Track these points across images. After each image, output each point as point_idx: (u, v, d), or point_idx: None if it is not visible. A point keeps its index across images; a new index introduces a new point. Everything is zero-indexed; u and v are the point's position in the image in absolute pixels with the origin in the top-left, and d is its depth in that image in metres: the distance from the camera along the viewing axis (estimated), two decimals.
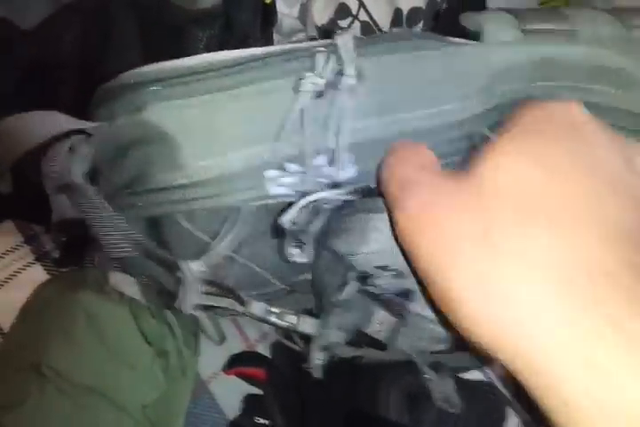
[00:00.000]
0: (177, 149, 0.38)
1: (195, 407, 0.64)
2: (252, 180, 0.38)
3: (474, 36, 0.40)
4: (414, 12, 0.66)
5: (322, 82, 0.38)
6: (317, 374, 0.44)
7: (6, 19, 0.55)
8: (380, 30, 0.67)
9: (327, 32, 0.69)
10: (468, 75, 0.39)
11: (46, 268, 0.65)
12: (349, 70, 0.37)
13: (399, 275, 0.40)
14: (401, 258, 0.38)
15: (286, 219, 0.40)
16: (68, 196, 0.42)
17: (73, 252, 0.64)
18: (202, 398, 0.65)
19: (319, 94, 0.38)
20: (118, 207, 0.41)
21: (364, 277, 0.41)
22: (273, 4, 0.62)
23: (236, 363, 0.66)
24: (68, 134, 0.40)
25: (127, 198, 0.40)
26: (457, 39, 0.40)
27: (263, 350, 0.68)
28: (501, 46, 0.40)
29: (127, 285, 0.55)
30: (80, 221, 0.46)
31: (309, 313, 0.46)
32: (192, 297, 0.43)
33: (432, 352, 0.45)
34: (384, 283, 0.41)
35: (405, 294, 0.41)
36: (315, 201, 0.40)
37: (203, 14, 0.56)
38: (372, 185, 0.40)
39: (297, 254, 0.42)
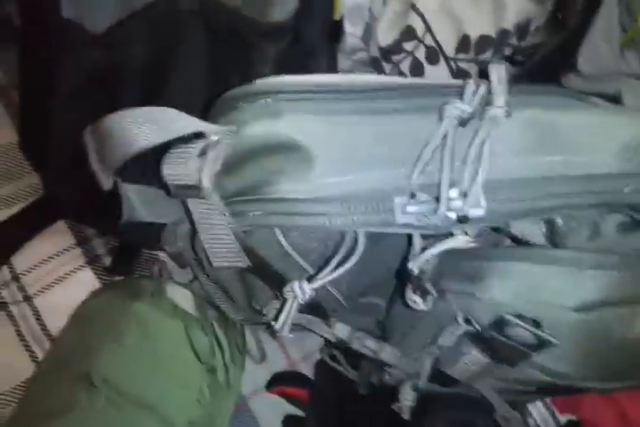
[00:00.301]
0: (308, 162, 0.38)
1: (234, 423, 0.63)
2: (377, 203, 0.38)
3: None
4: (483, 40, 0.65)
5: (468, 109, 0.38)
6: (406, 415, 0.44)
7: (76, 22, 0.55)
8: (444, 56, 0.67)
9: (390, 53, 0.69)
10: (609, 132, 0.40)
11: (96, 272, 0.65)
12: (499, 101, 0.38)
13: (536, 325, 0.40)
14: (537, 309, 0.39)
15: (416, 265, 0.39)
16: (182, 199, 0.42)
17: (124, 259, 0.64)
18: (242, 415, 0.65)
19: (463, 123, 0.38)
20: (233, 212, 0.40)
21: (496, 324, 0.40)
22: (341, 21, 0.62)
23: (279, 382, 0.66)
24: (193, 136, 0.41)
25: (239, 206, 0.40)
26: (598, 100, 0.41)
27: (305, 369, 0.68)
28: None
29: (183, 298, 0.55)
30: (147, 226, 0.46)
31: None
32: (293, 317, 0.42)
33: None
34: (518, 333, 0.40)
35: (537, 346, 0.40)
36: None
37: (273, 28, 0.56)
38: (500, 226, 0.40)
39: (420, 303, 0.41)
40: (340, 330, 0.45)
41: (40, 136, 0.61)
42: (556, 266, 0.40)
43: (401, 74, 0.69)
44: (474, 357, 0.42)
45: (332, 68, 0.65)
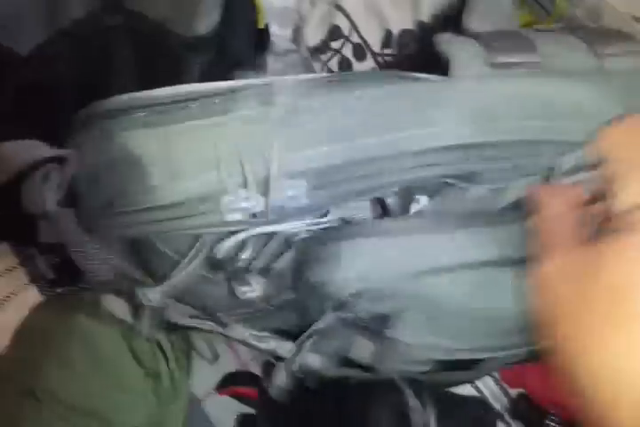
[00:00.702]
0: (146, 173, 0.39)
1: (189, 426, 0.64)
2: (209, 205, 0.40)
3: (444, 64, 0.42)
4: (405, 34, 0.66)
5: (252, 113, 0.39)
6: (276, 395, 0.45)
7: (1, 44, 0.54)
8: (371, 51, 0.67)
9: (318, 52, 0.69)
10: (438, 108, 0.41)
11: (41, 289, 0.65)
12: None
13: (375, 299, 0.41)
14: (380, 282, 0.40)
15: (221, 250, 0.42)
16: (46, 223, 0.44)
17: (67, 273, 0.64)
18: (196, 417, 0.65)
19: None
20: (98, 229, 0.42)
21: (340, 306, 0.41)
22: (266, 29, 0.62)
23: (230, 382, 0.66)
24: (44, 162, 0.42)
25: (105, 220, 0.41)
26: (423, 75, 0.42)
27: (256, 368, 0.68)
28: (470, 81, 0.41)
29: (118, 306, 0.55)
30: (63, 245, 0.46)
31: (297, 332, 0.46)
32: (152, 321, 0.46)
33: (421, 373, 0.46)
34: (360, 310, 0.42)
35: (382, 320, 0.42)
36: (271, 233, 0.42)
37: (197, 40, 0.56)
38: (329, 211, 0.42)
39: (248, 291, 0.42)
40: (236, 330, 0.47)
41: None
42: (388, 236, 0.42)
43: (330, 72, 0.69)
44: (362, 342, 0.43)
45: (261, 75, 0.65)
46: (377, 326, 0.43)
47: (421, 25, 0.66)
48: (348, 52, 0.68)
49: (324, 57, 0.69)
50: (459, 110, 0.41)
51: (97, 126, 0.41)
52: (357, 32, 0.67)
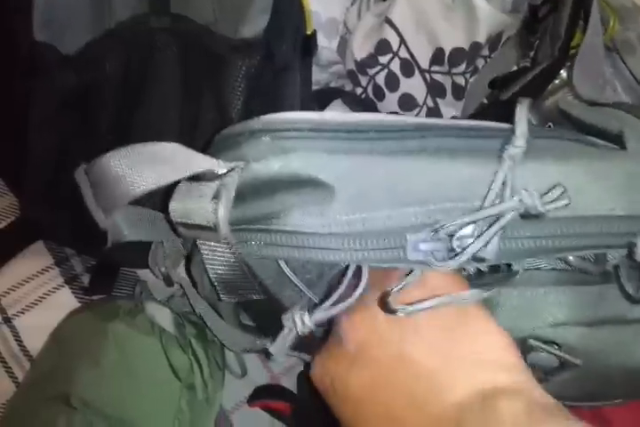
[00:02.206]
0: (327, 198, 0.37)
1: None
2: (390, 240, 0.37)
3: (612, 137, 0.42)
4: (457, 52, 0.64)
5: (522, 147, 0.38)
6: None
7: (48, 44, 0.53)
8: (419, 68, 0.66)
9: (365, 66, 0.68)
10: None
11: (75, 291, 0.63)
12: (519, 141, 0.38)
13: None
14: None
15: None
16: (191, 235, 0.40)
17: (103, 278, 0.63)
18: None
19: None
20: (239, 240, 0.39)
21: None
22: (314, 36, 0.61)
23: (261, 395, 0.64)
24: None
25: (245, 234, 0.38)
26: (601, 142, 0.42)
27: (287, 382, 0.66)
28: None
29: (162, 316, 0.54)
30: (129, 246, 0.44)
31: None
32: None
33: None
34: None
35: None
36: None
37: (245, 44, 0.55)
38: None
39: None
40: None
41: (15, 159, 0.59)
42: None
43: (377, 87, 0.68)
44: None
45: (307, 82, 0.64)
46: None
47: (475, 45, 0.64)
48: (395, 67, 0.67)
49: (370, 71, 0.68)
50: None
51: (272, 141, 0.38)
52: (407, 47, 0.66)
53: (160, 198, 0.41)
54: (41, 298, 0.62)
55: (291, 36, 0.58)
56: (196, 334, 0.55)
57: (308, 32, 0.60)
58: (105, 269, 0.64)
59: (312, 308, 0.40)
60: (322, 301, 0.41)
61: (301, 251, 0.37)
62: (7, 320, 0.61)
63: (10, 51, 0.56)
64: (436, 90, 0.66)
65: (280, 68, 0.58)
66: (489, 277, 0.42)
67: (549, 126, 0.59)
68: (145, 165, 0.38)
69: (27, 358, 0.60)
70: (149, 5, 0.55)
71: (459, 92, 0.65)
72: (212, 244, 0.39)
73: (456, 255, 0.37)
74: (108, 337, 0.53)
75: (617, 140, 0.42)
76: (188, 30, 0.56)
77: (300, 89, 0.61)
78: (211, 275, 0.41)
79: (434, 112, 0.67)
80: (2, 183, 0.67)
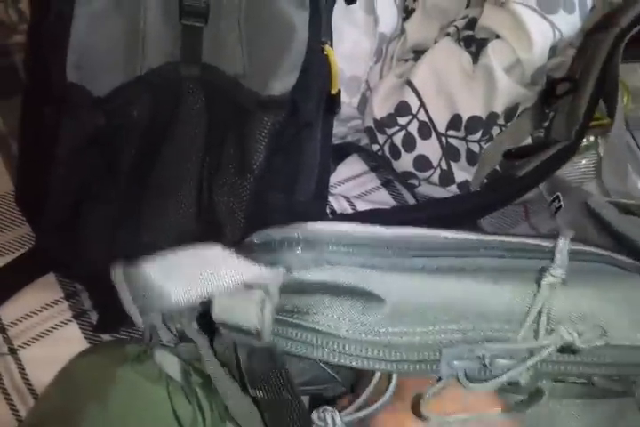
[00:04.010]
0: (372, 309, 0.37)
1: None
2: (424, 354, 0.37)
3: None
4: (474, 120, 0.65)
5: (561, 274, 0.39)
6: None
7: (79, 85, 0.53)
8: (436, 131, 0.66)
9: (384, 126, 0.68)
10: None
11: (82, 327, 0.62)
12: (558, 271, 0.38)
13: None
14: None
15: None
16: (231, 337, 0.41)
17: (112, 317, 0.62)
18: None
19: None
20: (275, 334, 0.39)
21: None
22: (338, 95, 0.61)
23: None
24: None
25: (286, 328, 0.38)
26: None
27: None
28: None
29: (170, 363, 0.53)
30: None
31: None
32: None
33: None
34: None
35: None
36: None
37: (272, 101, 0.54)
38: None
39: None
40: None
41: (36, 191, 0.59)
42: None
43: (393, 146, 0.68)
44: None
45: (327, 138, 0.64)
46: None
47: (492, 115, 0.64)
48: (413, 128, 0.68)
49: (389, 130, 0.68)
50: None
51: (316, 254, 0.38)
52: (425, 111, 0.66)
53: None
54: (48, 331, 0.62)
55: (316, 95, 0.58)
56: (202, 384, 0.54)
57: (333, 91, 0.60)
58: (113, 308, 0.63)
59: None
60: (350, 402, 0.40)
61: (336, 355, 0.37)
62: (13, 351, 0.61)
63: (43, 88, 0.56)
64: (451, 154, 0.66)
65: (303, 125, 0.59)
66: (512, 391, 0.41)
67: (557, 197, 0.59)
68: (185, 278, 0.39)
69: (29, 392, 0.59)
70: (181, 54, 0.55)
71: (473, 157, 0.65)
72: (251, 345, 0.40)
73: (491, 377, 0.37)
74: (116, 382, 0.51)
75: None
76: (216, 81, 0.55)
77: (320, 145, 0.61)
78: (243, 369, 0.42)
79: (447, 174, 0.67)
80: (19, 213, 0.66)
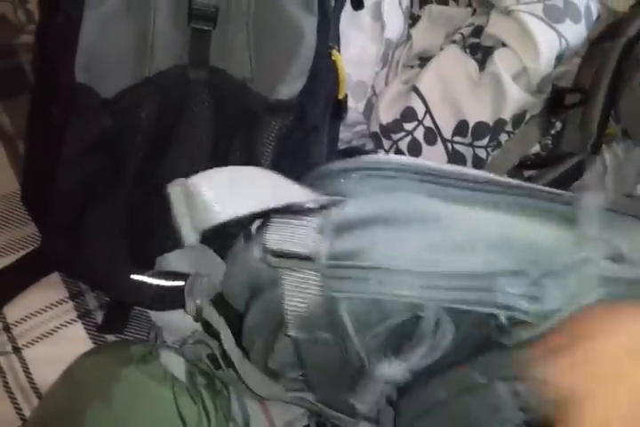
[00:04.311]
0: (422, 237, 0.38)
1: None
2: (480, 282, 0.37)
3: None
4: (481, 126, 0.65)
5: None
6: None
7: (88, 86, 0.53)
8: (442, 138, 0.66)
9: (390, 131, 0.68)
10: None
11: (87, 327, 0.62)
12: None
13: None
14: None
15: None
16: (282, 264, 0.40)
17: (116, 317, 0.62)
18: None
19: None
20: (329, 278, 0.39)
21: None
22: (345, 100, 0.61)
23: None
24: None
25: (339, 269, 0.38)
26: None
27: None
28: None
29: (175, 364, 0.53)
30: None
31: None
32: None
33: None
34: None
35: None
36: None
37: (279, 104, 0.55)
38: None
39: None
40: None
41: (42, 191, 0.59)
42: None
43: (399, 152, 0.68)
44: None
45: (333, 142, 0.64)
46: None
47: (500, 121, 0.65)
48: (419, 134, 0.68)
49: (394, 136, 0.68)
50: None
51: (375, 180, 0.40)
52: (431, 117, 0.66)
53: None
54: (52, 331, 0.61)
55: (324, 99, 0.59)
56: (206, 385, 0.54)
57: (340, 96, 0.60)
58: (118, 308, 0.63)
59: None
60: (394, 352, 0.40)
61: (387, 286, 0.37)
62: (17, 350, 0.60)
63: (51, 88, 0.56)
64: (456, 159, 0.66)
65: (310, 129, 0.59)
66: None
67: None
68: (242, 190, 0.39)
69: (33, 391, 0.59)
70: (190, 57, 0.55)
71: (479, 164, 0.65)
72: (299, 275, 0.39)
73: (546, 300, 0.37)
74: (120, 382, 0.52)
75: None
76: (224, 84, 0.56)
77: (327, 149, 0.61)
78: (287, 306, 0.40)
79: None
80: (25, 213, 0.66)
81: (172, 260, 0.44)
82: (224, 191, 0.38)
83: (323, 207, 0.39)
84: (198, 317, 0.51)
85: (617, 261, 0.37)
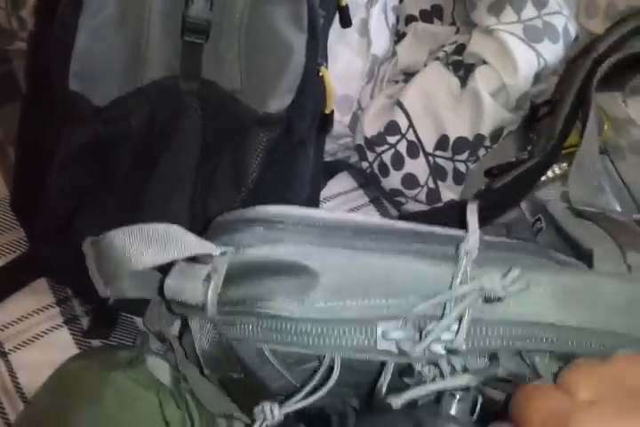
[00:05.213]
0: (310, 285, 0.37)
1: None
2: (364, 329, 0.38)
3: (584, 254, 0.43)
4: (461, 141, 0.65)
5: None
6: None
7: (81, 94, 0.53)
8: (424, 151, 0.66)
9: (374, 144, 0.68)
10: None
11: (73, 333, 0.62)
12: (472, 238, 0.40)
13: None
14: None
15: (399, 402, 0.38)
16: (182, 311, 0.42)
17: (103, 322, 0.61)
18: None
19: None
20: (224, 322, 0.39)
21: None
22: (331, 115, 0.61)
23: None
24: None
25: (231, 317, 0.39)
26: (567, 259, 0.43)
27: None
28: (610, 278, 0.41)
29: (161, 370, 0.53)
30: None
31: None
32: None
33: None
34: None
35: None
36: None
37: (268, 118, 0.54)
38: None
39: None
40: None
41: (32, 196, 0.58)
42: None
43: (382, 164, 0.68)
44: None
45: (319, 155, 0.64)
46: None
47: (479, 137, 0.65)
48: (402, 147, 0.68)
49: (378, 149, 0.69)
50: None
51: (264, 231, 0.40)
52: (414, 131, 0.67)
53: None
54: (38, 336, 0.61)
55: (311, 114, 0.59)
56: (191, 391, 0.54)
57: (327, 111, 0.60)
58: (104, 314, 0.62)
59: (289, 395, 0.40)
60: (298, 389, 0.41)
61: (280, 334, 0.38)
62: (3, 355, 0.60)
63: (44, 95, 0.56)
64: (438, 173, 0.66)
65: (296, 142, 0.59)
66: None
67: (539, 218, 0.59)
68: (145, 245, 0.39)
69: (19, 395, 0.59)
70: (181, 69, 0.55)
71: (459, 177, 0.66)
72: (199, 322, 0.41)
73: (423, 342, 0.37)
74: (107, 386, 0.51)
75: (587, 258, 0.43)
76: (214, 96, 0.55)
77: (312, 162, 0.61)
78: (197, 349, 0.42)
79: (434, 193, 0.68)
80: (13, 217, 0.65)
81: (123, 289, 0.45)
82: (134, 245, 0.40)
83: (218, 256, 0.39)
84: (161, 340, 0.53)
85: (491, 302, 0.38)
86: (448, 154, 0.66)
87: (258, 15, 0.53)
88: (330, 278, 0.38)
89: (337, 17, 0.63)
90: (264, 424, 0.39)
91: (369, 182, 0.72)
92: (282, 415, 0.39)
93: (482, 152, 0.66)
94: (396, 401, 0.37)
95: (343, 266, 0.38)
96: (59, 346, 0.61)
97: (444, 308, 0.37)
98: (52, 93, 0.54)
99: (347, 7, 0.63)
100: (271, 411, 0.39)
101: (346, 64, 0.69)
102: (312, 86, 0.57)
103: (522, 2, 0.65)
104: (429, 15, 0.75)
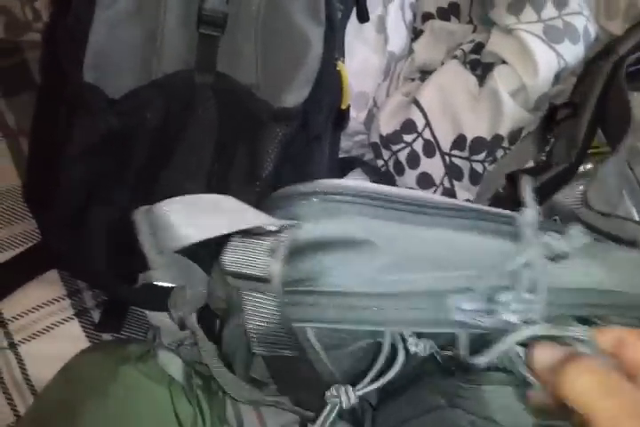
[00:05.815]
0: (371, 258, 0.36)
1: None
2: (432, 301, 0.36)
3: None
4: (478, 141, 0.64)
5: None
6: None
7: (96, 86, 0.52)
8: (440, 150, 0.65)
9: (389, 142, 0.67)
10: None
11: (84, 325, 0.61)
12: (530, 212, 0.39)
13: None
14: None
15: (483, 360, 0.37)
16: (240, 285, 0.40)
17: (113, 315, 0.60)
18: None
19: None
20: (286, 304, 0.38)
21: None
22: (347, 110, 0.60)
23: None
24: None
25: (293, 296, 0.37)
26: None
27: None
28: None
29: (173, 365, 0.52)
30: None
31: None
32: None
33: None
34: None
35: None
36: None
37: (284, 112, 0.53)
38: None
39: None
40: None
41: (45, 187, 0.57)
42: None
43: (398, 163, 0.67)
44: None
45: (334, 151, 0.63)
46: None
47: (497, 137, 0.64)
48: (418, 146, 0.67)
49: (394, 147, 0.68)
50: None
51: (324, 203, 0.39)
52: (430, 130, 0.66)
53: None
54: (49, 327, 0.60)
55: (327, 109, 0.58)
56: (202, 386, 0.53)
57: (343, 106, 0.60)
58: (115, 307, 0.61)
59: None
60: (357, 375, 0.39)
61: (341, 311, 0.36)
62: (13, 346, 0.59)
63: (59, 86, 0.55)
64: (454, 172, 0.65)
65: (312, 137, 0.58)
66: None
67: (554, 220, 0.58)
68: (202, 215, 0.37)
69: (28, 387, 0.58)
70: (196, 61, 0.54)
71: (475, 177, 0.65)
72: (258, 296, 0.39)
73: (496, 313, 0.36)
74: (118, 380, 0.51)
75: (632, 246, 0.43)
76: (229, 90, 0.55)
77: (327, 157, 0.60)
78: (248, 326, 0.40)
79: (449, 193, 0.67)
80: (25, 208, 0.64)
81: (155, 274, 0.43)
82: (189, 215, 0.37)
83: (278, 231, 0.38)
84: (182, 327, 0.50)
85: (557, 260, 0.38)
86: (465, 154, 0.65)
87: (274, 8, 0.53)
88: (391, 252, 0.37)
89: (354, 12, 0.62)
90: (337, 407, 0.37)
91: (383, 180, 0.71)
92: (357, 398, 0.37)
93: (499, 153, 0.65)
94: (482, 359, 0.36)
95: (404, 239, 0.38)
96: (69, 338, 0.60)
97: (514, 278, 0.37)
98: (67, 85, 0.54)
99: (364, 0, 0.62)
100: (346, 393, 0.37)
101: (362, 60, 0.68)
102: (329, 80, 0.56)
103: (542, 1, 0.64)
104: (446, 13, 0.74)
